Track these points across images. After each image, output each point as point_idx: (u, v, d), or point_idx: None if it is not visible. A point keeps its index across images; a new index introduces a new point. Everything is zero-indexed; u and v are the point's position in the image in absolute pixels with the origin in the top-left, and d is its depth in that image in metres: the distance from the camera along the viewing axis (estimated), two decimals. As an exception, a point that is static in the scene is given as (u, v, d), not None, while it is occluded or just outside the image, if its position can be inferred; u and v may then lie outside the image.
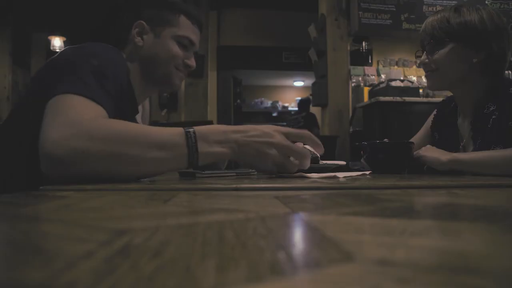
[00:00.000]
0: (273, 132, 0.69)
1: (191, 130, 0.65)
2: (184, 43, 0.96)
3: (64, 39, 5.18)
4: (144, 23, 0.94)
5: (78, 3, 4.71)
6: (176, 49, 0.95)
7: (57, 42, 5.14)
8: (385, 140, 1.12)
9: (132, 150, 0.61)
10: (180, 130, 0.65)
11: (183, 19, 0.97)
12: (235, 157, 0.69)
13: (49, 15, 4.94)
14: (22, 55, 5.33)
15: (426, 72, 1.09)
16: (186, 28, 0.97)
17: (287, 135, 0.71)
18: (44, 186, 0.54)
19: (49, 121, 0.63)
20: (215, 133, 0.67)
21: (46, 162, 0.61)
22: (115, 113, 0.72)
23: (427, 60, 1.07)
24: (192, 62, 0.99)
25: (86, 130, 0.61)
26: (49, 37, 5.16)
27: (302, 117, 5.09)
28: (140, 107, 1.01)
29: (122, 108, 0.78)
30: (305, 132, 0.75)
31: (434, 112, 1.25)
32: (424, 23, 1.10)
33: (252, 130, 0.68)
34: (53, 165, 0.60)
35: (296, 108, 6.02)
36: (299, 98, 6.15)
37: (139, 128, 0.67)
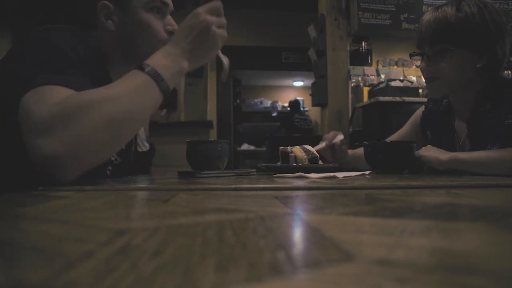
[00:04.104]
0: (200, 16, 0.73)
1: (142, 63, 0.68)
2: (157, 7, 0.86)
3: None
4: (107, 2, 0.84)
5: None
6: (151, 21, 0.85)
7: (56, 42, 5.12)
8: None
9: (120, 108, 0.61)
10: (133, 70, 0.68)
11: None
12: (193, 60, 0.73)
13: (48, 15, 4.92)
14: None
15: (426, 79, 1.04)
16: None
17: (210, 11, 0.75)
18: (44, 186, 0.54)
19: (32, 122, 0.59)
20: (164, 55, 0.70)
21: (45, 164, 0.58)
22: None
23: (427, 68, 1.02)
24: (173, 26, 0.89)
25: (74, 115, 0.58)
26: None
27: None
28: None
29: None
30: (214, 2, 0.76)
31: (422, 109, 1.21)
32: (422, 22, 1.02)
33: (186, 30, 0.73)
34: (56, 165, 0.57)
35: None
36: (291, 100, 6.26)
37: (108, 88, 0.64)
